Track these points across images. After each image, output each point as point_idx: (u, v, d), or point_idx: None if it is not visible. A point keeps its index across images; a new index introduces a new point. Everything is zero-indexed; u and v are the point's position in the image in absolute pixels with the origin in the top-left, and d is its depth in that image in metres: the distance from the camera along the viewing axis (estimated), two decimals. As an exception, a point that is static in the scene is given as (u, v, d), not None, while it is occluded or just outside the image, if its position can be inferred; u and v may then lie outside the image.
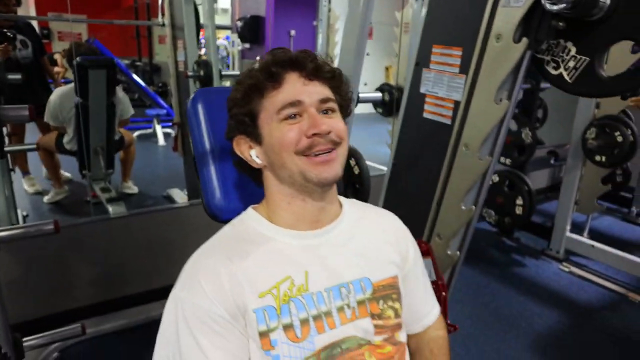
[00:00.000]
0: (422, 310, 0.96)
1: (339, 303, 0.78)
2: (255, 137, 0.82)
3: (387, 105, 2.67)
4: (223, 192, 0.96)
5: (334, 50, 4.63)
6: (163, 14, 3.39)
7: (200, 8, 3.29)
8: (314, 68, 0.80)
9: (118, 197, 3.33)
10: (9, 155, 2.79)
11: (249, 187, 0.94)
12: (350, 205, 0.92)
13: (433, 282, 1.41)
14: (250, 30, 6.54)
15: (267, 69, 0.79)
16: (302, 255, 0.80)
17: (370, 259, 0.85)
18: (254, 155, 0.83)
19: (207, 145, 0.97)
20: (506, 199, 3.24)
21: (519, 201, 3.18)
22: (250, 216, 0.86)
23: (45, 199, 3.54)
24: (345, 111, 0.87)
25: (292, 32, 6.76)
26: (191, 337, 0.71)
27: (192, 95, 0.99)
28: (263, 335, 0.72)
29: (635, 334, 2.42)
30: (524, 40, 1.10)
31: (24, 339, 1.44)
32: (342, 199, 0.91)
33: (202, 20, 3.28)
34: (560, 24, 1.08)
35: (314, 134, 0.76)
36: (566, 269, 3.06)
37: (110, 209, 3.12)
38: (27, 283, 2.03)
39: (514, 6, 1.10)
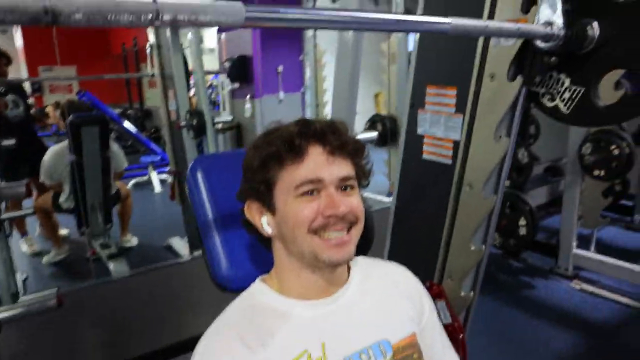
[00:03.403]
0: None
1: None
2: (269, 206, 0.79)
3: (381, 136, 2.67)
4: (230, 261, 0.93)
5: (323, 85, 4.68)
6: (152, 65, 3.41)
7: (187, 52, 3.32)
8: (340, 144, 0.77)
9: (118, 253, 3.29)
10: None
11: (256, 255, 0.92)
12: (357, 264, 0.89)
13: (449, 325, 1.38)
14: (238, 70, 6.61)
15: (290, 140, 0.75)
16: (316, 326, 0.77)
17: (386, 317, 0.82)
18: (264, 223, 0.81)
19: (210, 214, 0.94)
20: (509, 220, 3.22)
21: (522, 222, 3.15)
22: (260, 290, 0.83)
23: (45, 259, 3.49)
24: (363, 183, 0.84)
25: (280, 69, 6.84)
26: None
27: (190, 164, 0.97)
28: None
29: (657, 350, 2.38)
30: (519, 78, 1.10)
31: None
32: None
33: (190, 67, 3.31)
34: (552, 59, 1.08)
35: (330, 215, 0.74)
36: (577, 287, 3.02)
37: (111, 266, 3.07)
38: (31, 356, 1.97)
39: (505, 45, 1.10)
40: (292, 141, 0.75)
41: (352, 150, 0.79)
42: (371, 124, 2.29)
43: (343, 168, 0.77)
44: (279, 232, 0.79)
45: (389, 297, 0.86)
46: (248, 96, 6.83)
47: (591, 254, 3.11)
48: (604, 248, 3.39)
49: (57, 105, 5.17)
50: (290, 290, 0.80)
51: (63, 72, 5.88)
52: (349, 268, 0.87)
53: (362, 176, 0.82)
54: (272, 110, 4.92)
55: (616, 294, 2.88)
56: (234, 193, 0.85)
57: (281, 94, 5.93)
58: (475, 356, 2.34)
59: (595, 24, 1.03)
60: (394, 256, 1.56)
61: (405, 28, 0.72)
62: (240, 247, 0.94)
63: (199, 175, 0.96)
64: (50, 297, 1.31)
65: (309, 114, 4.57)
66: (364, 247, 1.90)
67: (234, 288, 0.91)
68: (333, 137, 0.76)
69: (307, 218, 0.74)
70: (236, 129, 4.68)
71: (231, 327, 0.77)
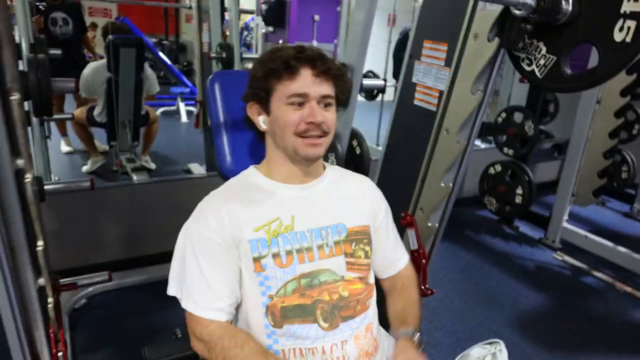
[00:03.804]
0: (394, 257, 1.19)
1: (319, 242, 1.01)
2: (266, 108, 1.03)
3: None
4: (232, 156, 1.17)
5: (353, 38, 4.76)
6: (191, -4, 3.59)
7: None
8: (324, 69, 0.99)
9: (142, 168, 3.59)
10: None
11: (252, 152, 1.15)
12: (332, 169, 1.14)
13: (415, 251, 1.61)
14: (275, 14, 6.71)
15: (287, 61, 0.98)
16: (290, 203, 1.02)
17: (347, 209, 1.07)
18: (261, 121, 1.05)
19: (221, 118, 1.17)
20: (507, 188, 3.41)
21: (519, 191, 3.34)
22: (252, 172, 1.09)
23: (84, 169, 3.82)
24: (343, 101, 1.08)
25: (316, 17, 6.91)
26: (194, 258, 0.94)
27: (210, 77, 1.19)
28: (256, 260, 0.94)
29: (616, 319, 2.59)
30: (496, 39, 1.27)
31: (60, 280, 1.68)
32: (325, 164, 1.13)
33: (226, 4, 3.47)
34: (528, 26, 1.24)
35: (310, 122, 0.97)
36: (559, 257, 3.22)
37: (134, 177, 3.38)
38: (62, 236, 2.28)
39: (489, 10, 1.27)
40: (289, 62, 0.97)
41: (334, 74, 1.01)
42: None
43: (325, 88, 0.99)
44: (271, 129, 1.03)
45: (352, 196, 1.11)
46: (280, 41, 6.93)
47: (578, 229, 3.29)
48: (597, 229, 3.55)
49: (93, 26, 5.41)
50: (275, 175, 1.05)
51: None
52: (324, 168, 1.11)
53: (341, 95, 1.05)
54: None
55: (593, 268, 3.07)
56: (241, 104, 1.08)
57: (314, 43, 6.03)
58: (449, 298, 2.61)
59: (570, 0, 1.19)
60: (380, 188, 1.77)
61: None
62: (242, 145, 1.18)
63: (216, 86, 1.19)
64: (85, 180, 1.56)
65: (339, 53, 4.71)
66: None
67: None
68: (320, 62, 0.99)
69: (294, 122, 0.98)
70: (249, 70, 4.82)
71: (226, 193, 1.04)
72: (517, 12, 1.18)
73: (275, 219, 0.98)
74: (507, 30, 1.26)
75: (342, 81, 1.04)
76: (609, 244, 3.08)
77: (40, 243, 1.05)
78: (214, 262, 0.94)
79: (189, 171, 3.96)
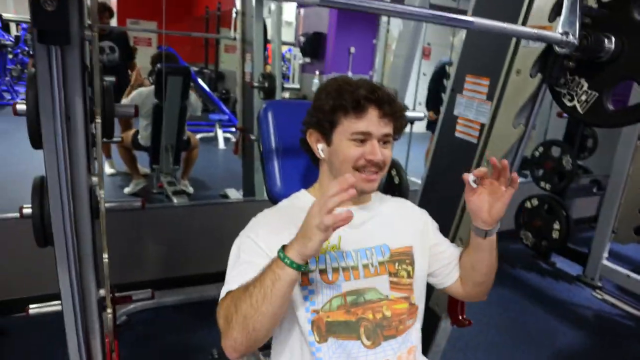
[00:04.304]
0: (457, 252, 1.20)
1: (365, 261, 1.05)
2: (327, 138, 1.08)
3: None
4: (282, 181, 1.23)
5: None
6: (235, 29, 3.76)
7: (268, 22, 3.64)
8: (391, 112, 1.05)
9: (182, 191, 3.71)
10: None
11: (302, 179, 1.21)
12: (378, 194, 1.19)
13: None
14: (312, 45, 6.90)
15: (357, 100, 1.03)
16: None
17: (390, 231, 1.11)
18: (320, 149, 1.10)
19: (273, 144, 1.24)
20: (544, 222, 3.36)
21: (556, 225, 3.28)
22: (303, 194, 1.15)
23: (127, 190, 3.98)
24: (397, 136, 1.12)
25: (352, 50, 7.07)
26: (239, 262, 0.99)
27: (264, 105, 1.27)
28: (303, 274, 0.98)
29: (659, 362, 2.50)
30: (539, 75, 1.31)
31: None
32: None
33: (269, 36, 3.63)
34: (571, 63, 1.28)
35: (370, 159, 1.03)
36: (599, 296, 3.13)
37: (175, 200, 3.50)
38: (110, 252, 2.39)
39: (532, 47, 1.31)
40: (359, 101, 1.03)
41: (398, 116, 1.07)
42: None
43: (387, 128, 1.06)
44: (329, 159, 1.09)
45: (394, 218, 1.15)
46: (317, 72, 7.10)
47: (618, 268, 3.20)
48: (638, 267, 3.46)
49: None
50: None
51: (148, 25, 6.38)
52: (371, 194, 1.16)
53: (397, 133, 1.11)
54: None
55: (635, 309, 2.98)
56: (293, 132, 1.15)
57: (350, 74, 6.16)
58: (485, 331, 2.57)
59: (613, 38, 1.22)
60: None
61: (441, 22, 0.96)
62: (292, 171, 1.24)
63: (269, 114, 1.26)
64: (136, 200, 1.65)
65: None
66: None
67: (282, 202, 1.20)
68: (388, 105, 1.05)
69: (354, 157, 1.03)
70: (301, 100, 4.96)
71: (276, 212, 1.10)
72: (560, 50, 1.22)
73: None
74: (550, 67, 1.30)
75: (402, 120, 1.10)
76: (652, 283, 2.99)
77: (105, 256, 1.13)
78: (254, 265, 0.95)
79: (225, 196, 4.07)
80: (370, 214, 1.12)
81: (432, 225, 1.22)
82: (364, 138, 1.03)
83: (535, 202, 3.42)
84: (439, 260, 1.17)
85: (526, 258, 3.67)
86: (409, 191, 2.20)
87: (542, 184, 3.45)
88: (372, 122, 1.03)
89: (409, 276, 1.10)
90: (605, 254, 3.27)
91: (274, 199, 1.24)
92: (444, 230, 1.68)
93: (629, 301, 3.06)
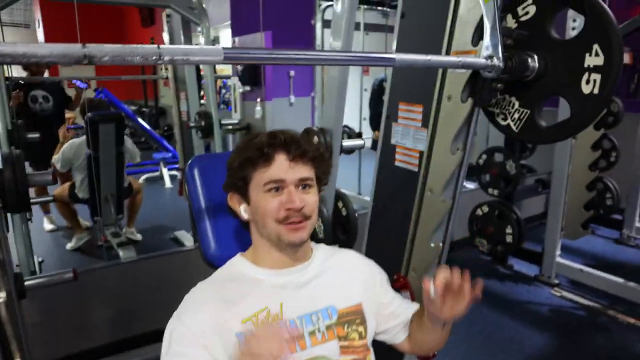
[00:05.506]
0: (406, 312, 1.14)
1: (311, 328, 0.96)
2: (245, 197, 1.01)
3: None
4: (217, 243, 1.14)
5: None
6: (166, 68, 3.65)
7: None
8: (300, 153, 0.97)
9: (127, 242, 3.52)
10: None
11: (238, 238, 1.12)
12: (319, 249, 1.10)
13: (411, 313, 1.57)
14: (250, 73, 6.84)
15: (260, 148, 0.96)
16: (278, 290, 0.99)
17: (337, 290, 1.03)
18: (242, 211, 1.03)
19: (203, 204, 1.15)
20: (496, 228, 3.39)
21: (509, 229, 3.33)
22: (238, 260, 1.05)
23: (68, 246, 3.74)
24: (323, 181, 1.05)
25: (292, 73, 7.05)
26: (169, 343, 0.91)
27: (189, 162, 1.18)
28: None
29: (622, 353, 2.53)
30: (470, 100, 1.29)
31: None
32: (312, 244, 1.10)
33: (202, 72, 3.54)
34: (499, 85, 1.27)
35: (289, 208, 0.95)
36: (557, 294, 3.18)
37: (121, 253, 3.30)
38: (47, 325, 2.20)
39: (460, 72, 1.29)
40: (262, 149, 0.96)
41: (311, 157, 0.99)
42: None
43: (302, 171, 0.98)
44: (253, 218, 1.01)
45: (341, 276, 1.07)
46: (259, 99, 7.03)
47: (572, 264, 3.27)
48: (591, 259, 3.55)
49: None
50: (263, 262, 1.02)
51: (82, 71, 6.16)
52: (311, 249, 1.08)
53: (322, 175, 1.03)
54: (283, 112, 5.07)
55: (593, 302, 3.04)
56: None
57: (292, 98, 6.13)
58: (454, 348, 2.54)
59: (536, 57, 1.22)
60: (370, 250, 1.75)
61: (358, 62, 0.91)
62: (226, 232, 1.15)
63: (195, 171, 1.17)
64: (67, 271, 1.52)
65: (317, 116, 4.81)
66: (348, 244, 2.11)
67: (220, 265, 1.11)
68: (295, 146, 0.97)
69: (273, 209, 0.95)
70: (246, 129, 4.84)
71: (212, 286, 1.00)
72: (487, 74, 1.21)
73: (263, 308, 0.94)
74: (479, 91, 1.28)
75: (321, 161, 1.02)
76: (606, 275, 3.07)
77: None
78: (186, 359, 0.89)
79: (176, 240, 3.90)
80: (312, 273, 1.04)
81: (380, 278, 1.14)
82: (277, 186, 0.96)
83: (485, 209, 3.46)
84: (387, 322, 1.11)
85: (484, 264, 3.70)
86: (359, 215, 2.15)
87: (490, 190, 3.50)
88: (281, 167, 0.96)
89: (361, 337, 1.02)
90: (558, 252, 3.33)
91: (209, 263, 1.14)
92: (396, 261, 1.64)
93: (584, 294, 3.13)
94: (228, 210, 1.06)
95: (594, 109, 1.16)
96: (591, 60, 1.13)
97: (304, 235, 0.98)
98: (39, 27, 7.82)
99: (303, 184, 0.98)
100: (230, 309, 0.93)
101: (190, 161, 1.19)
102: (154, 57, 0.66)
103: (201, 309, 0.93)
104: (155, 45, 0.66)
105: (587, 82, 1.15)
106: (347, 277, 1.07)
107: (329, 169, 1.06)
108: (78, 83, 4.17)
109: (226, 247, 1.14)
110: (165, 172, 5.97)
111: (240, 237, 1.12)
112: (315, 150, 1.01)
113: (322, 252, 1.10)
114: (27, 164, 3.80)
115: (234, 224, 1.10)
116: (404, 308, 1.14)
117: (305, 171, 0.98)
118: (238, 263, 1.05)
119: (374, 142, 4.84)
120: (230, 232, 1.15)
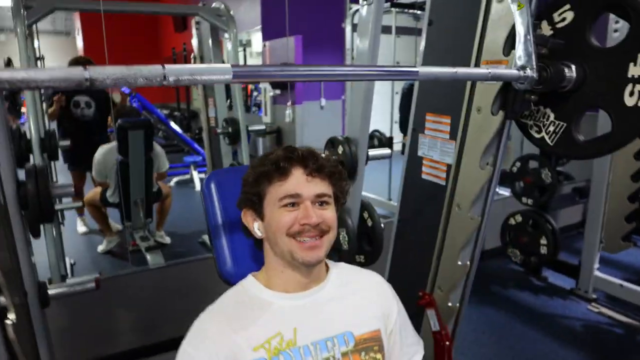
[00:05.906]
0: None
1: (325, 355, 0.91)
2: (259, 213, 0.98)
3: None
4: (233, 259, 1.11)
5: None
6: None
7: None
8: (317, 167, 0.94)
9: (156, 246, 3.55)
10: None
11: (254, 255, 1.09)
12: (337, 268, 1.05)
13: (437, 333, 1.50)
14: (280, 77, 6.86)
15: (277, 163, 0.94)
16: (292, 314, 0.94)
17: (354, 315, 0.98)
18: (256, 228, 0.99)
19: (219, 219, 1.12)
20: (530, 238, 3.27)
21: (543, 240, 3.20)
22: (250, 282, 1.01)
23: (100, 249, 3.81)
24: (340, 200, 1.00)
25: (322, 76, 7.00)
26: None
27: (206, 177, 1.15)
28: None
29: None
30: (501, 112, 1.22)
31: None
32: (330, 262, 1.05)
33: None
34: (533, 97, 1.19)
35: (305, 224, 0.91)
36: (595, 310, 3.03)
37: (148, 257, 3.34)
38: (72, 332, 2.22)
39: (490, 83, 1.22)
40: (278, 163, 0.93)
41: (328, 172, 0.95)
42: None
43: (320, 187, 0.94)
44: (266, 235, 0.97)
45: (359, 299, 1.01)
46: (289, 102, 7.04)
47: (611, 278, 3.11)
48: (631, 272, 3.37)
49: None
50: (275, 284, 0.98)
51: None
52: (328, 269, 1.03)
53: (340, 194, 0.98)
54: (313, 115, 5.02)
55: (632, 319, 2.88)
56: (239, 202, 1.03)
57: (323, 101, 6.10)
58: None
59: (573, 67, 1.14)
60: (395, 266, 1.69)
61: (376, 77, 0.86)
62: (242, 248, 1.11)
63: (212, 186, 1.15)
64: (90, 280, 1.52)
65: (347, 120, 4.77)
66: (373, 256, 2.04)
67: (236, 282, 1.08)
68: (312, 161, 0.94)
69: (287, 224, 0.92)
70: (276, 133, 4.81)
71: (222, 312, 0.96)
72: (519, 85, 1.14)
73: (276, 334, 0.90)
74: (511, 103, 1.21)
75: (339, 179, 0.98)
76: (647, 291, 2.90)
77: None
78: None
79: (204, 243, 3.92)
80: (327, 296, 0.99)
81: (398, 309, 1.07)
82: (294, 201, 0.92)
83: (519, 218, 3.34)
84: (394, 352, 1.03)
85: (517, 276, 3.56)
86: (385, 224, 2.08)
87: (524, 199, 3.37)
88: (299, 182, 0.92)
89: None
90: (596, 265, 3.17)
91: (225, 280, 1.11)
92: (422, 277, 1.57)
93: (624, 312, 2.96)
94: (242, 228, 1.02)
95: (638, 122, 1.08)
96: (636, 70, 1.05)
97: (320, 254, 0.93)
98: (78, 34, 8.08)
99: (320, 200, 0.94)
100: (241, 335, 0.89)
101: (207, 176, 1.17)
102: (158, 78, 0.63)
103: (210, 338, 0.90)
104: (160, 66, 0.63)
105: (631, 93, 1.07)
106: (365, 302, 1.02)
107: (347, 188, 1.01)
108: (122, 88, 4.23)
109: (242, 264, 1.10)
110: (196, 175, 6.03)
111: (257, 255, 1.09)
112: (333, 166, 0.97)
113: (340, 272, 1.05)
114: (65, 166, 3.95)
115: (251, 241, 1.07)
116: (404, 353, 1.07)
117: (322, 187, 0.94)
118: (249, 284, 1.01)
119: (405, 146, 4.74)
120: (247, 250, 1.11)
